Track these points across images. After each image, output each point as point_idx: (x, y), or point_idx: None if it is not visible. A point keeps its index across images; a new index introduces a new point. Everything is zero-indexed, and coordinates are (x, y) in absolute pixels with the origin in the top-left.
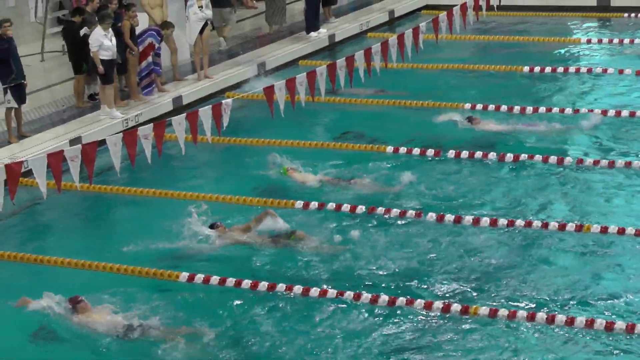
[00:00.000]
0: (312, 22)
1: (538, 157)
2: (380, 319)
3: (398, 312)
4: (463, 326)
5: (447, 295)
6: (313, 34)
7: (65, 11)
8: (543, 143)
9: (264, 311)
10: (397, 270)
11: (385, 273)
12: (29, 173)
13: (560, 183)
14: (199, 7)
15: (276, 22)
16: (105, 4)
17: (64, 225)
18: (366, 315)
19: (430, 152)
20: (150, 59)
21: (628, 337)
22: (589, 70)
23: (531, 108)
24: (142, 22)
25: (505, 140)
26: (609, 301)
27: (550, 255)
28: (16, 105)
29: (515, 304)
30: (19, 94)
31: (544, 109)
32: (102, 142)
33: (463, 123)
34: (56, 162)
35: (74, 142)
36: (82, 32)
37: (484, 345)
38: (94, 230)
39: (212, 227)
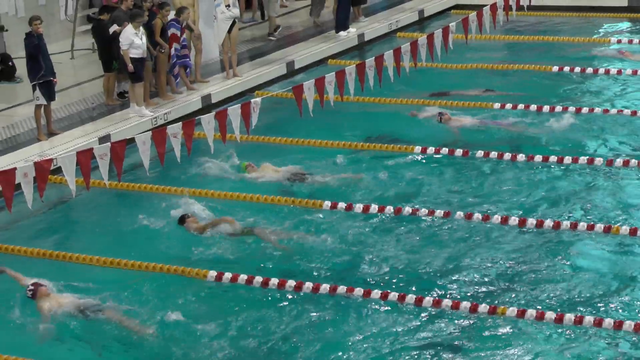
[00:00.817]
0: (342, 22)
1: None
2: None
3: (426, 312)
4: (489, 326)
5: (472, 295)
6: (342, 33)
7: (95, 9)
8: (563, 142)
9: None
10: (403, 268)
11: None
12: (58, 170)
13: (585, 183)
14: (226, 6)
15: (315, 14)
16: (139, 3)
17: (92, 222)
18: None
19: (459, 152)
20: (173, 50)
21: None
22: (619, 72)
23: (560, 107)
24: None
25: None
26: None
27: (578, 256)
28: (45, 102)
29: (541, 305)
30: (48, 91)
31: (573, 108)
32: (131, 140)
33: (435, 118)
34: (85, 159)
35: (103, 140)
36: (112, 29)
37: (510, 346)
38: (122, 227)
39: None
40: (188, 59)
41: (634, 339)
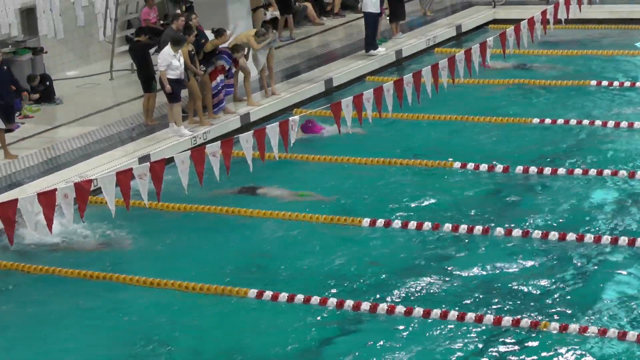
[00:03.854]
0: (370, 40)
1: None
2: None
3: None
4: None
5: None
6: (372, 52)
7: (134, 30)
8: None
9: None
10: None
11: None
12: (98, 191)
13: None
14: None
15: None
16: (188, 23)
17: (132, 243)
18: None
19: (499, 167)
20: (219, 80)
21: None
22: None
23: (600, 122)
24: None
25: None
26: None
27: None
28: (3, 126)
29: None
30: (7, 115)
31: (612, 122)
32: (171, 160)
33: None
34: (125, 180)
35: (142, 160)
36: (153, 51)
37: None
38: (163, 247)
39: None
40: (232, 90)
41: None
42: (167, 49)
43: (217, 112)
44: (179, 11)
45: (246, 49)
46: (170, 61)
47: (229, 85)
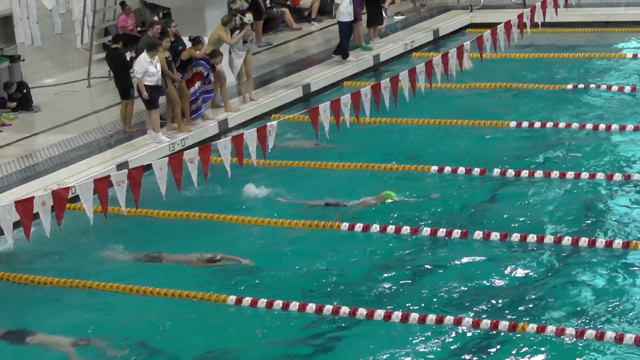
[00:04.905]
0: (344, 50)
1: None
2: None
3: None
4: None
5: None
6: (350, 59)
7: (111, 37)
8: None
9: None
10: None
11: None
12: (76, 199)
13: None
14: (243, 42)
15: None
16: (165, 29)
17: (110, 250)
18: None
19: (476, 171)
20: (197, 86)
21: None
22: (633, 89)
23: (577, 124)
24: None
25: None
26: None
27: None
28: None
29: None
30: None
31: (591, 125)
32: (149, 167)
33: None
34: (103, 187)
35: (120, 167)
36: (129, 56)
37: None
38: (142, 254)
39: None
40: (211, 95)
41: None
42: (143, 56)
43: (195, 119)
44: (156, 18)
45: (222, 56)
46: (146, 68)
47: (208, 91)
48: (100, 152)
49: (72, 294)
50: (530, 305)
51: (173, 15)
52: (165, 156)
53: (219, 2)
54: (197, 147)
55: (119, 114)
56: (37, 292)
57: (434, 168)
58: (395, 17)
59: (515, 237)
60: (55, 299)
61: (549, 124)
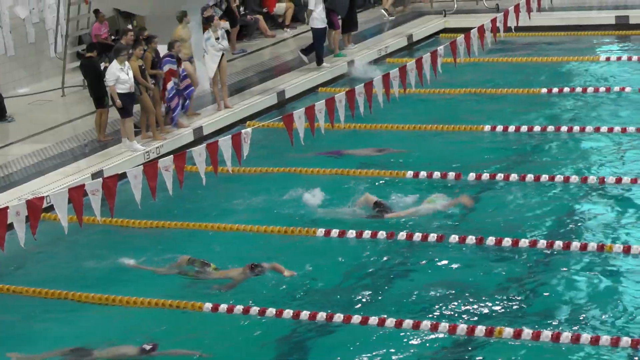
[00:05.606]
0: (319, 55)
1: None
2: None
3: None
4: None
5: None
6: (325, 65)
7: (85, 46)
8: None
9: None
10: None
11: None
12: (50, 208)
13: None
14: (215, 39)
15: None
16: (138, 37)
17: (85, 259)
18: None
19: (451, 175)
20: (170, 85)
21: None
22: (608, 90)
23: (552, 127)
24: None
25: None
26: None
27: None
28: None
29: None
30: None
31: (565, 128)
32: (124, 175)
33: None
34: (77, 196)
35: (95, 176)
36: (103, 65)
37: None
38: (116, 263)
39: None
40: (192, 89)
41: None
42: (114, 63)
43: (175, 118)
44: (130, 26)
45: (180, 42)
46: (118, 75)
47: (188, 86)
48: (75, 161)
49: (48, 305)
50: (507, 310)
51: (147, 23)
52: (140, 164)
53: (192, 10)
54: (172, 155)
55: (93, 122)
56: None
57: (410, 173)
58: (384, 17)
59: (491, 240)
60: (32, 309)
61: (524, 128)
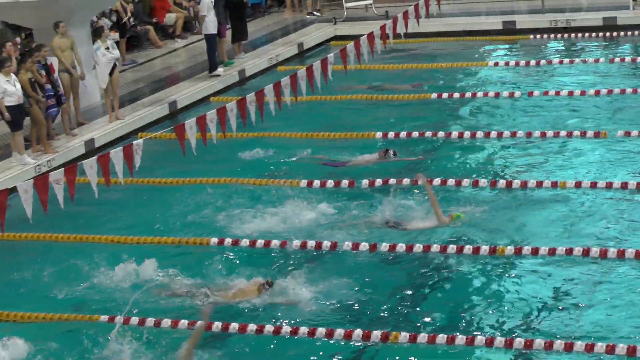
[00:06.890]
0: (213, 63)
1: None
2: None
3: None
4: None
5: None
6: (215, 72)
7: None
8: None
9: None
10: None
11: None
12: None
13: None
14: (105, 48)
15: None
16: (26, 50)
17: None
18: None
19: (345, 182)
20: (49, 86)
21: None
22: (497, 94)
23: (443, 133)
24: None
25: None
26: None
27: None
28: None
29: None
30: None
31: (456, 133)
32: (14, 190)
33: None
34: None
35: None
36: None
37: None
38: (6, 279)
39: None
40: (55, 110)
41: None
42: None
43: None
44: (18, 39)
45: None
46: (5, 87)
47: (53, 105)
48: None
49: None
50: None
51: (36, 35)
52: (32, 178)
53: (81, 22)
54: (63, 168)
55: None
56: None
57: (304, 182)
58: (308, 15)
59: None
60: None
61: (415, 134)
